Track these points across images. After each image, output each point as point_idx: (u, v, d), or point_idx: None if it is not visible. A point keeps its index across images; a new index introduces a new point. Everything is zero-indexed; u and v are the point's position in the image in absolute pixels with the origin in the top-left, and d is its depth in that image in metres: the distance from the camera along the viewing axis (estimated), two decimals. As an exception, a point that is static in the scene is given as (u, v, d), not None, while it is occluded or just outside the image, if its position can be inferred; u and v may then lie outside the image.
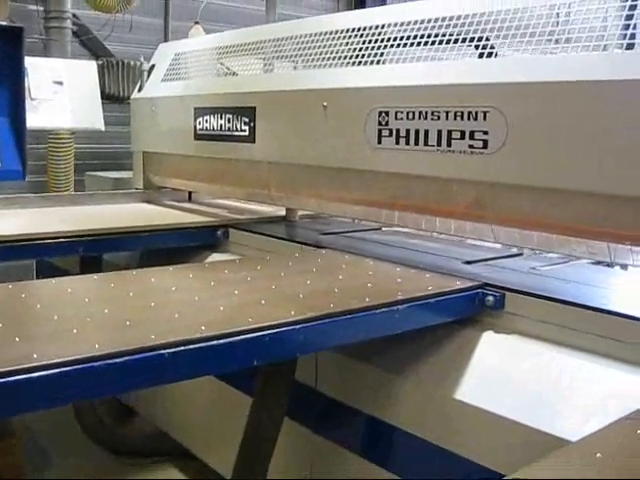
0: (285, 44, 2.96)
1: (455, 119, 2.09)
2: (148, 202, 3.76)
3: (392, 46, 2.42)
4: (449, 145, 2.12)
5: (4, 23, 3.54)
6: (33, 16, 5.68)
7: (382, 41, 2.46)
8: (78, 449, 3.15)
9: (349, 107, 2.48)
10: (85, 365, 1.25)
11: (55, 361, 1.23)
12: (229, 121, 3.08)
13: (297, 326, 1.57)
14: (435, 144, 2.16)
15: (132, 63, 5.84)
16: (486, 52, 2.13)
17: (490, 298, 1.94)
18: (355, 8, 7.35)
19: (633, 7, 1.82)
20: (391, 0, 7.20)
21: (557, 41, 1.94)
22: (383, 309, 1.74)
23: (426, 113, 2.18)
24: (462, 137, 2.08)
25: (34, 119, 4.04)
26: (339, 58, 2.62)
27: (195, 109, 3.32)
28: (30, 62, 3.93)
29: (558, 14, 1.99)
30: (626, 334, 1.69)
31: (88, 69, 4.77)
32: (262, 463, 2.10)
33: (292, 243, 2.73)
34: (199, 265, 2.60)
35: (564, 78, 1.85)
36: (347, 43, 2.62)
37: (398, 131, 2.27)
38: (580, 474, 1.02)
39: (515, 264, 2.30)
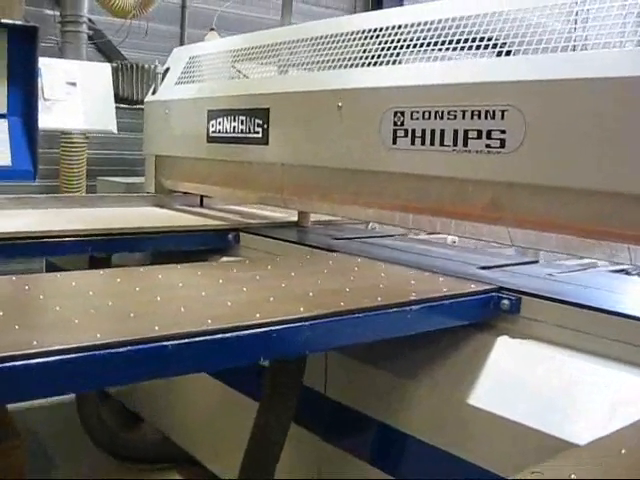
0: (300, 46, 2.93)
1: (472, 118, 2.05)
2: (159, 206, 3.72)
3: (408, 47, 2.38)
4: (465, 145, 2.07)
5: (19, 22, 3.52)
6: (49, 20, 5.71)
7: (398, 42, 2.43)
8: (82, 453, 3.12)
9: (364, 107, 2.44)
10: (86, 353, 1.21)
11: (55, 348, 1.19)
12: (242, 123, 3.05)
13: (306, 323, 1.51)
14: (451, 144, 2.11)
15: (146, 66, 5.86)
16: (504, 51, 2.09)
17: (506, 302, 1.88)
18: (372, 9, 7.35)
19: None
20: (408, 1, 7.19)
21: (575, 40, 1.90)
22: (395, 309, 1.68)
23: (442, 113, 2.14)
24: (479, 137, 2.03)
25: (46, 120, 4.04)
26: (354, 59, 2.59)
27: (208, 111, 3.29)
28: (44, 62, 3.93)
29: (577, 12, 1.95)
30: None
31: (102, 71, 4.77)
32: (268, 467, 2.04)
33: (303, 247, 2.68)
34: (208, 264, 2.56)
35: (584, 75, 1.81)
36: (362, 44, 2.58)
37: (414, 131, 2.23)
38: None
39: (531, 270, 2.25)
